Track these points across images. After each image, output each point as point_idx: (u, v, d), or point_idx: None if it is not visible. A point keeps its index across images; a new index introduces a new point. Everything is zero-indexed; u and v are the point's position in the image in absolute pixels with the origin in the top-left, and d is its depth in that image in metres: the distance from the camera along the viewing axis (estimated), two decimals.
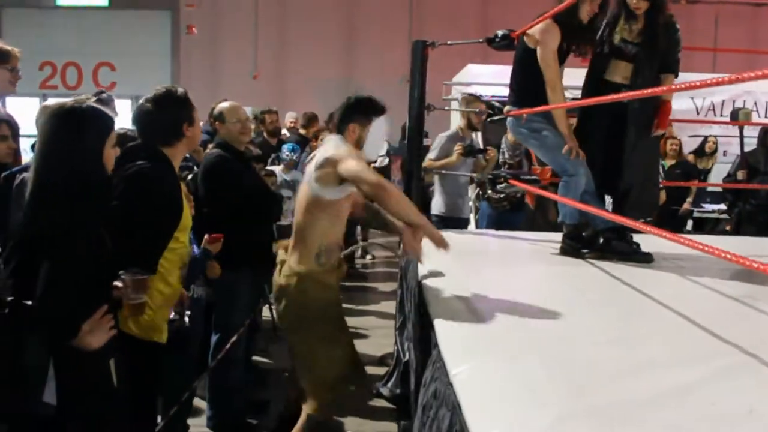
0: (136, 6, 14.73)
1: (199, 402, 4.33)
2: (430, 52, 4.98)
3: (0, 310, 2.16)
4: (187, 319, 3.47)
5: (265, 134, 7.75)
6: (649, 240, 3.66)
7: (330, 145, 3.21)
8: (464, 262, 3.35)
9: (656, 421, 1.61)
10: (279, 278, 3.25)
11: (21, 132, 3.84)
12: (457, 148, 5.78)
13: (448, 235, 3.10)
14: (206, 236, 3.51)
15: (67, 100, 2.41)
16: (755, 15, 14.55)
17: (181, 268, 2.98)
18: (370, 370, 5.05)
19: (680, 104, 9.19)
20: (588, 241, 3.80)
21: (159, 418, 3.21)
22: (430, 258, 3.09)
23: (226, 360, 3.91)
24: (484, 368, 1.92)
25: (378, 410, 4.40)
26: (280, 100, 10.80)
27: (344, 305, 3.60)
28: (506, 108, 4.17)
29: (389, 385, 4.29)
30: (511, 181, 4.60)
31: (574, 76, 4.15)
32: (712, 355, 2.11)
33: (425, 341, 2.83)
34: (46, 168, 2.29)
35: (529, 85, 3.87)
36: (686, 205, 8.56)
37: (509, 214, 6.32)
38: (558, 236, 3.97)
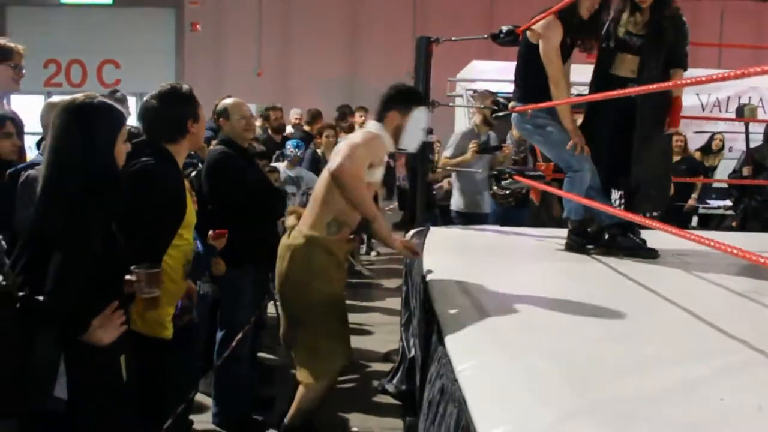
0: (141, 3, 14.75)
1: (204, 399, 4.33)
2: (435, 48, 4.97)
3: (11, 306, 2.17)
4: (195, 313, 3.48)
5: (269, 131, 7.75)
6: (655, 236, 3.65)
7: (361, 130, 3.35)
8: (469, 258, 3.35)
9: (663, 418, 1.60)
10: (286, 239, 3.35)
11: (25, 129, 3.83)
12: (472, 145, 5.76)
13: (453, 230, 3.10)
14: (210, 232, 3.50)
15: (79, 95, 2.41)
16: (761, 10, 14.49)
17: (185, 264, 2.98)
18: (376, 366, 5.07)
19: (685, 100, 9.07)
20: (593, 237, 3.79)
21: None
22: (434, 254, 3.09)
23: (232, 357, 3.91)
24: (490, 364, 1.92)
25: (383, 406, 4.39)
26: (284, 98, 10.78)
27: (349, 302, 3.63)
28: (511, 104, 4.16)
29: (394, 381, 4.29)
30: (516, 177, 4.59)
31: (581, 72, 4.13)
32: (719, 352, 2.10)
33: (430, 337, 2.83)
34: (57, 163, 2.29)
35: (533, 80, 3.86)
36: (691, 202, 8.54)
37: (514, 210, 6.32)
38: (563, 232, 3.96)
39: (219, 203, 3.98)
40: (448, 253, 3.17)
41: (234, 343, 3.90)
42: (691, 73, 3.80)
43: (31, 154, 3.62)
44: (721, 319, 2.38)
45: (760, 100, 9.73)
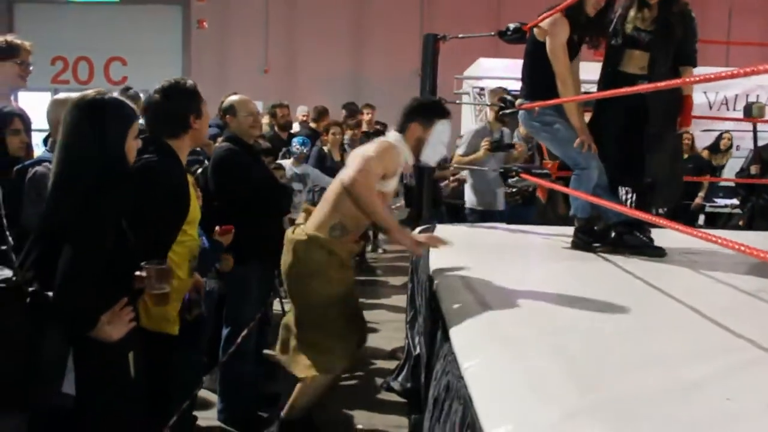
0: (148, 1, 14.76)
1: (209, 395, 4.34)
2: (441, 45, 4.97)
3: (21, 301, 2.18)
4: (204, 307, 3.48)
5: (276, 128, 7.76)
6: (662, 234, 3.65)
7: (379, 140, 3.32)
8: (475, 255, 3.35)
9: (669, 416, 1.59)
10: (290, 234, 3.37)
11: (33, 126, 3.84)
12: (484, 143, 5.74)
13: (458, 228, 3.10)
14: (217, 228, 3.51)
15: (89, 92, 2.41)
16: None
17: (191, 260, 2.99)
18: (381, 363, 5.07)
19: (693, 98, 9.10)
20: (600, 235, 3.78)
21: None
22: (440, 252, 3.08)
23: (237, 353, 3.92)
24: (496, 362, 1.92)
25: (388, 404, 4.39)
26: (290, 95, 10.79)
27: None
28: (518, 101, 4.16)
29: (400, 378, 4.29)
30: (523, 175, 4.58)
31: (588, 69, 4.12)
32: (725, 350, 2.09)
33: (436, 335, 2.83)
34: (68, 159, 2.30)
35: (540, 78, 3.86)
36: (698, 200, 8.52)
37: (521, 208, 6.31)
38: (570, 230, 3.95)
39: (225, 200, 3.98)
40: (454, 251, 3.16)
41: (239, 340, 3.91)
42: (699, 71, 3.78)
43: (39, 150, 3.63)
44: (727, 318, 2.37)
45: None
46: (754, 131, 7.06)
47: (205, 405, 4.26)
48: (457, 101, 9.00)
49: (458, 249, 3.25)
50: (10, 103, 3.89)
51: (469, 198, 6.20)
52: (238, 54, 14.76)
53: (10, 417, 2.47)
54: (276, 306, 5.53)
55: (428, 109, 3.35)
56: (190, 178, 3.62)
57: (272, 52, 14.89)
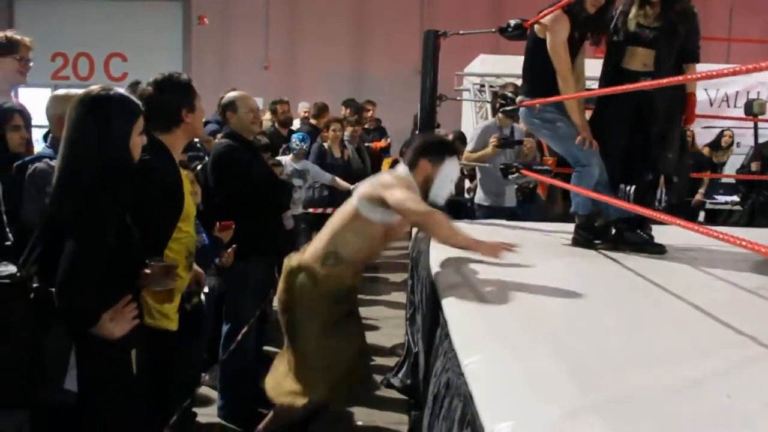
0: None
1: (209, 392, 4.34)
2: (442, 42, 4.96)
3: (25, 297, 2.18)
4: (203, 297, 3.48)
5: (276, 124, 7.76)
6: (662, 232, 3.64)
7: (391, 173, 3.29)
8: (475, 252, 3.33)
9: (670, 414, 1.59)
10: (287, 261, 3.33)
11: (33, 122, 3.84)
12: (493, 140, 5.72)
13: (459, 225, 3.10)
14: (217, 224, 3.51)
15: (94, 87, 2.41)
16: None
17: (187, 257, 2.97)
18: (381, 360, 5.07)
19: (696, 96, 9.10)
20: (600, 232, 3.77)
21: None
22: (440, 248, 3.08)
23: (237, 350, 3.92)
24: (496, 358, 1.91)
25: (388, 401, 4.40)
26: (291, 92, 10.77)
27: None
28: (518, 98, 4.15)
29: (400, 375, 4.28)
30: (523, 172, 4.57)
31: (589, 66, 4.10)
32: (726, 347, 2.09)
33: (435, 332, 2.82)
34: (72, 155, 2.30)
35: (540, 75, 3.85)
36: (698, 197, 8.51)
37: (521, 205, 6.29)
38: (570, 227, 3.95)
39: (225, 196, 3.99)
40: (454, 247, 3.16)
41: (239, 337, 3.91)
42: (700, 68, 3.77)
43: (39, 146, 3.63)
44: (727, 315, 2.37)
45: None
46: (755, 128, 7.06)
47: (206, 401, 4.27)
48: (458, 98, 8.99)
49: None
50: (10, 99, 3.90)
51: (479, 195, 6.18)
52: (239, 50, 14.75)
53: (13, 414, 2.47)
54: (275, 303, 5.53)
55: (438, 147, 3.32)
56: (190, 174, 3.63)
57: (273, 48, 14.87)
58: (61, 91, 3.37)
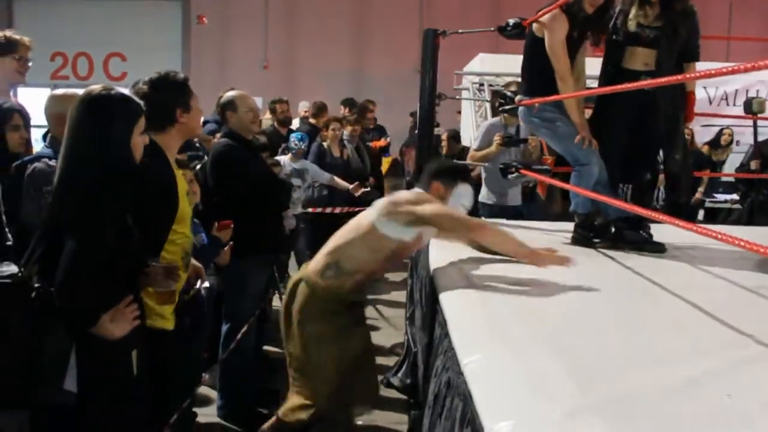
0: None
1: (209, 391, 4.34)
2: (441, 41, 4.95)
3: (27, 296, 2.17)
4: (203, 288, 3.47)
5: (275, 124, 7.76)
6: (662, 230, 3.64)
7: (409, 191, 3.31)
8: (475, 251, 3.34)
9: (670, 413, 1.59)
10: (293, 275, 3.35)
11: (32, 122, 3.84)
12: (497, 138, 5.71)
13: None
14: (216, 224, 3.50)
15: (96, 87, 2.40)
16: None
17: (183, 257, 2.93)
18: (381, 359, 5.06)
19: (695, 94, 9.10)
20: (600, 231, 3.78)
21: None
22: (440, 247, 3.08)
23: (237, 350, 3.92)
24: (496, 358, 1.91)
25: (388, 400, 4.39)
26: (290, 91, 10.77)
27: None
28: (518, 97, 4.14)
29: (399, 375, 4.28)
30: (523, 171, 4.57)
31: (590, 65, 4.10)
32: (725, 347, 2.09)
33: (435, 331, 2.83)
34: (73, 155, 2.29)
35: (539, 74, 3.85)
36: (698, 195, 8.50)
37: (522, 205, 6.29)
38: (569, 226, 3.95)
39: (224, 195, 3.99)
40: (453, 246, 3.16)
41: (239, 336, 3.91)
42: (699, 66, 3.78)
43: (38, 146, 3.63)
44: (727, 314, 2.37)
45: None
46: (755, 126, 7.05)
47: (205, 401, 4.27)
48: (457, 97, 8.99)
49: (458, 244, 3.25)
50: (10, 99, 3.89)
51: (483, 192, 6.17)
52: (238, 50, 14.74)
53: (13, 414, 2.47)
54: (276, 302, 5.53)
55: (451, 172, 3.36)
56: (190, 173, 3.62)
57: (272, 48, 14.87)
58: (59, 91, 3.36)
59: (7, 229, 2.89)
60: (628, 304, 2.70)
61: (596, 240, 3.76)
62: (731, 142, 9.06)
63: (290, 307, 3.25)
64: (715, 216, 9.00)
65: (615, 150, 3.78)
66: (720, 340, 2.16)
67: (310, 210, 6.76)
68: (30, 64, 3.91)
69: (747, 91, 9.63)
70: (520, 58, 4.07)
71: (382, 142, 9.39)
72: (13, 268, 2.27)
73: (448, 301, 2.58)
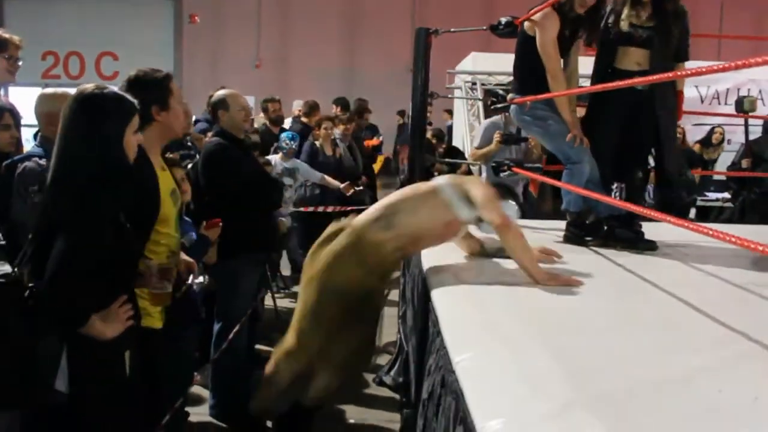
0: None
1: (201, 391, 4.33)
2: (434, 40, 4.96)
3: (20, 296, 2.16)
4: (195, 284, 3.45)
5: (267, 123, 7.75)
6: (653, 228, 3.65)
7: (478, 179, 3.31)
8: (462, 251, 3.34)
9: (661, 409, 1.59)
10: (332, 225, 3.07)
11: (23, 121, 3.83)
12: (497, 136, 5.71)
13: None
14: (204, 223, 3.49)
15: (89, 85, 2.39)
16: (761, 1, 14.45)
17: (170, 256, 2.89)
18: (373, 358, 5.07)
19: (685, 92, 9.11)
20: (591, 229, 3.78)
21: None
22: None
23: (229, 349, 3.91)
24: (487, 356, 1.91)
25: (380, 399, 4.40)
26: (282, 90, 10.77)
27: None
28: (509, 96, 4.15)
29: (392, 373, 4.28)
30: (515, 169, 4.58)
31: (582, 64, 4.11)
32: (716, 343, 2.09)
33: (427, 329, 2.82)
34: (66, 154, 2.28)
35: (531, 72, 3.85)
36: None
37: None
38: (561, 224, 3.95)
39: (215, 194, 3.98)
40: (445, 245, 3.16)
41: (231, 336, 3.90)
42: (691, 64, 3.79)
43: (29, 146, 3.62)
44: (720, 311, 2.37)
45: (760, 92, 9.72)
46: (746, 125, 7.06)
47: (197, 401, 4.26)
48: (450, 95, 9.00)
49: (450, 243, 3.25)
50: (0, 98, 3.87)
51: None
52: (230, 49, 14.74)
53: (2, 415, 2.46)
54: (267, 301, 5.52)
55: (497, 186, 3.23)
56: (181, 172, 3.61)
57: (264, 47, 14.87)
58: (49, 90, 3.35)
59: None
60: (620, 301, 2.71)
61: (588, 238, 3.76)
62: (722, 140, 9.09)
63: (321, 249, 2.94)
64: (706, 214, 9.02)
65: (607, 148, 3.79)
66: (712, 337, 2.16)
67: (302, 209, 6.76)
68: (20, 63, 3.89)
69: (738, 90, 9.67)
70: (512, 56, 4.08)
71: (375, 141, 9.39)
72: (6, 268, 2.26)
73: (440, 299, 2.58)
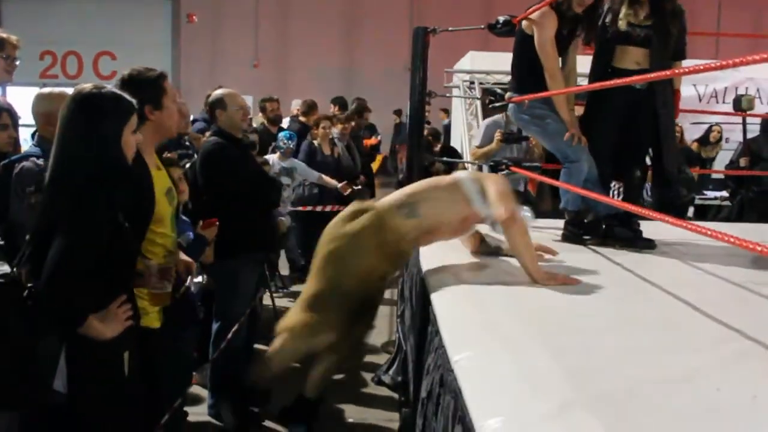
0: None
1: (200, 390, 4.33)
2: (432, 39, 4.95)
3: (19, 296, 2.16)
4: (193, 284, 3.44)
5: (265, 122, 7.74)
6: (651, 227, 3.65)
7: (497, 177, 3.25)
8: (465, 249, 3.34)
9: (660, 408, 1.59)
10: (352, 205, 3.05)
11: (21, 121, 3.82)
12: (497, 135, 5.71)
13: None
14: (201, 222, 3.49)
15: (86, 85, 2.38)
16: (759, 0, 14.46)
17: (166, 255, 2.88)
18: (372, 357, 5.07)
19: (683, 91, 9.06)
20: (590, 228, 3.78)
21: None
22: (431, 245, 3.08)
23: (228, 349, 3.91)
24: (486, 355, 1.91)
25: (379, 398, 4.40)
26: (281, 89, 10.77)
27: None
28: (507, 94, 4.15)
29: (390, 372, 4.29)
30: (513, 169, 4.58)
31: (580, 63, 4.11)
32: (715, 342, 2.09)
33: (426, 328, 2.82)
34: (64, 154, 2.28)
35: (529, 71, 3.85)
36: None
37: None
38: (560, 223, 3.95)
39: (213, 194, 3.97)
40: (444, 244, 3.15)
41: (230, 335, 3.90)
42: (688, 63, 3.80)
43: (26, 145, 3.61)
44: (718, 309, 2.38)
45: (757, 90, 9.72)
46: (744, 124, 7.07)
47: (196, 400, 4.26)
48: (448, 95, 9.00)
49: (449, 242, 3.25)
50: None
51: None
52: (228, 48, 14.73)
53: (2, 414, 2.46)
54: (266, 301, 5.52)
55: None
56: (179, 172, 3.60)
57: (262, 46, 14.86)
58: (46, 90, 3.34)
59: None
60: (619, 300, 2.71)
61: (586, 237, 3.76)
62: (720, 139, 9.09)
63: (340, 229, 2.90)
64: (705, 213, 9.02)
65: (605, 147, 3.79)
66: (710, 336, 2.16)
67: (300, 208, 6.75)
68: (18, 63, 3.88)
69: (736, 88, 9.66)
70: (510, 55, 4.08)
71: (373, 141, 9.39)
72: (5, 268, 2.26)
73: (439, 298, 2.58)
